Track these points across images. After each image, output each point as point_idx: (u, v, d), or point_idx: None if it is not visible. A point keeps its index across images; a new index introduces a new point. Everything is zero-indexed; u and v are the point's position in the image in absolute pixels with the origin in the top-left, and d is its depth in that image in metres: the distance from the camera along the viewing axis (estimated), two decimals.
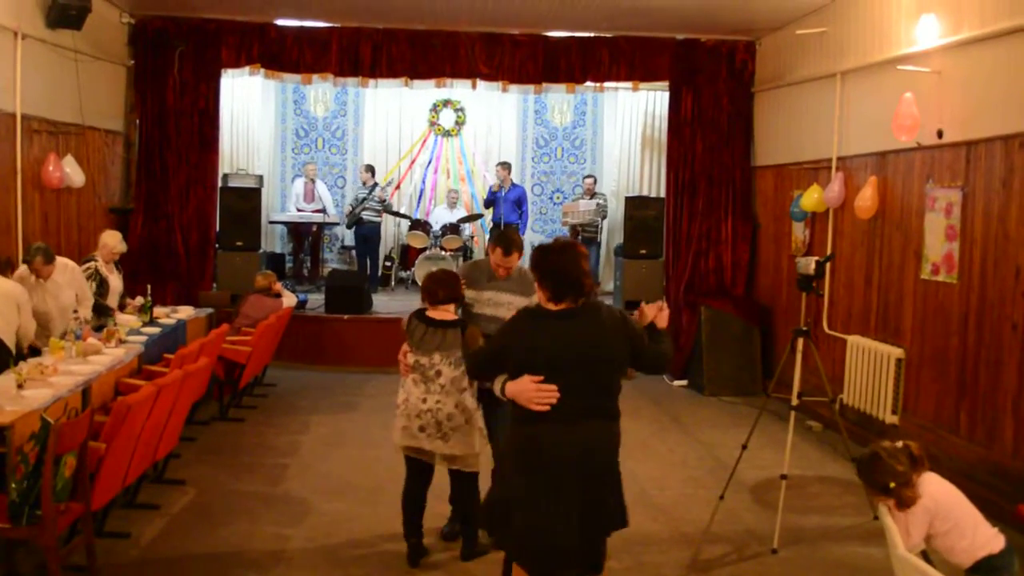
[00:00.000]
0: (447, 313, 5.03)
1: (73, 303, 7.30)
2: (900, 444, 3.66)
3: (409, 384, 5.02)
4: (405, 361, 5.06)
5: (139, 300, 8.32)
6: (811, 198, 8.75)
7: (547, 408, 3.63)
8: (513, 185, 12.77)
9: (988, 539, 3.50)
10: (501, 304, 5.21)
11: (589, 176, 13.14)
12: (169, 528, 5.55)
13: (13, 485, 4.25)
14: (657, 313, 3.99)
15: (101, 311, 7.72)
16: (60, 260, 7.18)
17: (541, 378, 3.63)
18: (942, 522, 3.52)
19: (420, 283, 5.22)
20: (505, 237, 5.31)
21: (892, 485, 3.54)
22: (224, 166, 11.80)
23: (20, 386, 5.29)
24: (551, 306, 3.75)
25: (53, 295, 7.06)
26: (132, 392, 5.21)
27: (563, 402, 3.63)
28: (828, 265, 8.51)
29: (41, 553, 4.73)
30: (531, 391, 3.65)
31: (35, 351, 6.56)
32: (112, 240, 8.13)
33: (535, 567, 3.76)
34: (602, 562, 3.85)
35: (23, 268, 7.00)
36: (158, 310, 8.46)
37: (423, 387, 4.95)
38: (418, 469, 5.15)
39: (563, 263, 3.75)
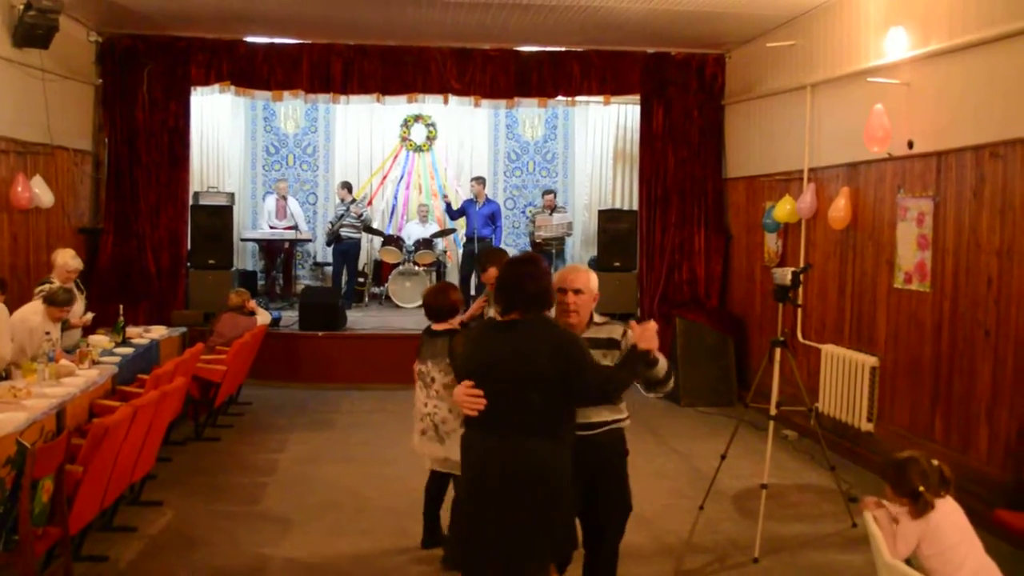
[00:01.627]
0: (449, 324, 5.31)
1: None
2: (936, 462, 3.68)
3: (416, 390, 5.33)
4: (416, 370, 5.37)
5: (88, 316, 8.09)
6: (783, 209, 8.83)
7: (475, 414, 3.68)
8: (487, 200, 12.77)
9: None
10: None
11: (549, 192, 13.12)
12: (148, 550, 5.47)
13: None
14: (640, 333, 3.82)
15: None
16: None
17: (472, 383, 3.71)
18: (929, 546, 3.53)
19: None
20: (477, 259, 5.58)
21: (921, 489, 3.57)
22: (194, 184, 11.70)
23: None
24: (499, 316, 3.81)
25: (55, 335, 6.96)
26: (107, 414, 5.14)
27: (491, 411, 3.66)
28: (803, 275, 8.61)
29: None
30: (460, 394, 3.74)
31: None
32: (64, 257, 7.68)
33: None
34: None
35: (39, 305, 6.86)
36: (131, 330, 8.34)
37: (424, 392, 5.26)
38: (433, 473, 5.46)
39: (513, 275, 3.80)
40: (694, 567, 5.42)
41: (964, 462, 6.34)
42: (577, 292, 4.09)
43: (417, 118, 14.14)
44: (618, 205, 12.63)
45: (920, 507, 3.55)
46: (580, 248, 13.45)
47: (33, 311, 6.85)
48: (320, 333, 10.56)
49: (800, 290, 8.50)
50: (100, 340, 7.71)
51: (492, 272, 5.59)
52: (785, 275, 5.88)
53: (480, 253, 5.80)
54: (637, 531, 5.92)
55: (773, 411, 5.79)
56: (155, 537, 5.69)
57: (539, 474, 3.66)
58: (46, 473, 4.30)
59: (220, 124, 13.01)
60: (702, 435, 8.49)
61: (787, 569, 5.42)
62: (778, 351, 5.81)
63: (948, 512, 3.59)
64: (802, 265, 8.13)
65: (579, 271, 4.23)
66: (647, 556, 5.55)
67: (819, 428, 6.48)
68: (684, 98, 10.77)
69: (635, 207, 11.50)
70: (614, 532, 4.38)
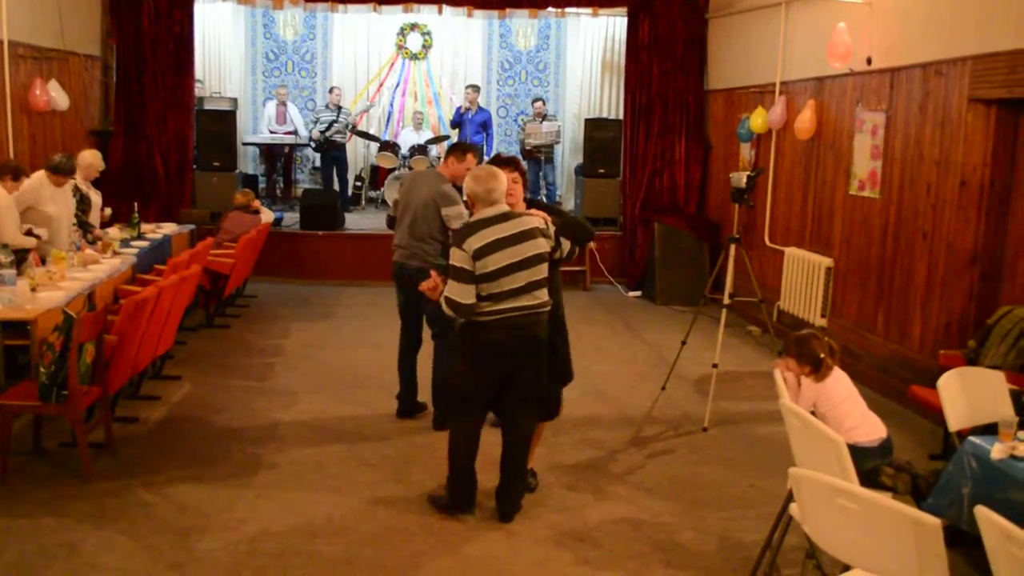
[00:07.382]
0: None
1: (73, 207, 7.78)
2: (826, 338, 4.45)
3: None
4: None
5: (107, 211, 8.79)
6: (756, 120, 9.39)
7: None
8: (479, 108, 13.25)
9: (853, 431, 4.21)
10: None
11: (538, 99, 13.56)
12: (172, 414, 6.23)
13: (42, 369, 4.88)
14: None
15: (83, 227, 8.13)
16: None
17: None
18: (823, 403, 4.35)
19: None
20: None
21: (822, 356, 4.32)
22: (198, 90, 12.16)
23: (34, 289, 5.91)
24: None
25: (64, 201, 7.54)
26: (132, 295, 5.82)
27: None
28: (763, 180, 9.21)
29: (61, 433, 5.44)
30: None
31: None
32: (93, 159, 8.41)
33: None
34: None
35: (41, 175, 7.39)
36: (144, 226, 8.99)
37: None
38: None
39: None
40: (650, 434, 6.18)
41: (900, 352, 7.07)
42: None
43: (413, 27, 14.49)
44: (606, 115, 13.08)
45: (821, 372, 4.28)
46: (569, 156, 13.95)
47: (39, 181, 7.33)
48: (320, 233, 11.20)
49: (766, 193, 9.19)
50: (113, 233, 8.32)
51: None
52: (740, 178, 6.48)
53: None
54: (604, 406, 6.71)
55: (726, 300, 6.48)
56: (177, 404, 6.45)
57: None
58: (89, 338, 4.99)
59: (221, 31, 13.38)
60: (672, 329, 9.18)
61: (731, 437, 6.18)
62: (733, 247, 6.46)
63: (838, 378, 4.38)
64: (757, 169, 8.70)
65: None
66: (610, 424, 6.32)
67: (777, 322, 7.16)
68: (669, 11, 11.16)
69: (621, 116, 11.98)
70: None
